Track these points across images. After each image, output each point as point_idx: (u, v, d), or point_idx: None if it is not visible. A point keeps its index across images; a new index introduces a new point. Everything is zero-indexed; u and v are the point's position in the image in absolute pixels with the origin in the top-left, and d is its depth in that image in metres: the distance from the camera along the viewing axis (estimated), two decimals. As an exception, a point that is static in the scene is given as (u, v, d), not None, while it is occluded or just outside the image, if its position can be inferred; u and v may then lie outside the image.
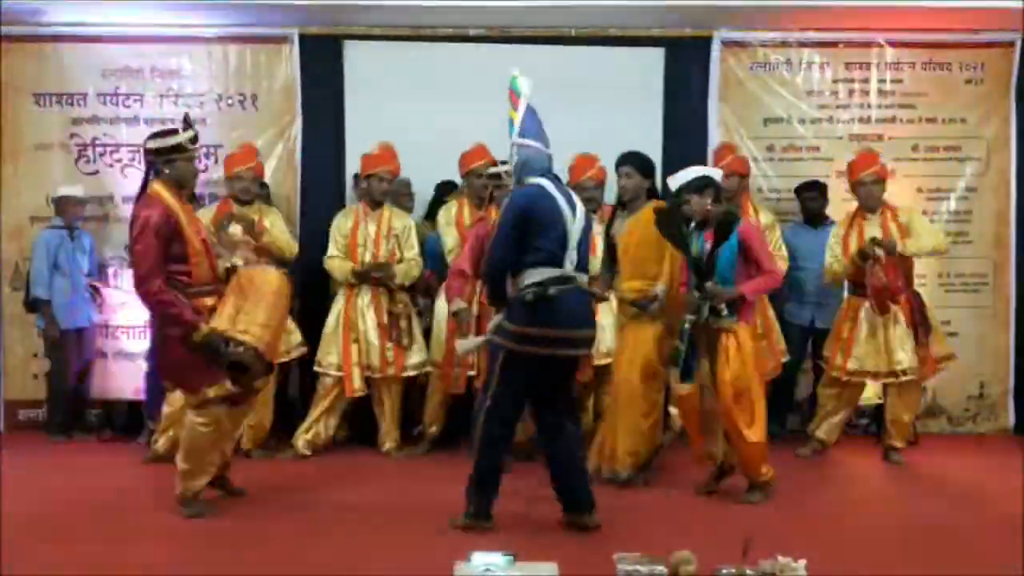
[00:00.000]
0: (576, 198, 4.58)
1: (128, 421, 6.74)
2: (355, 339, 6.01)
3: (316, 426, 6.09)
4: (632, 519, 4.76)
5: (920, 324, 6.01)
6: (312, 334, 6.20)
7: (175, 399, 5.49)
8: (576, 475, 4.55)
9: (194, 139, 4.85)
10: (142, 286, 4.55)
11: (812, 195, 6.69)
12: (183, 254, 4.61)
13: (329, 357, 6.05)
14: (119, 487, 5.44)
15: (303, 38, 6.85)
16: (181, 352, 4.54)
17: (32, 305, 6.55)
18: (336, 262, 6.08)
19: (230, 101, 6.93)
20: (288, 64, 6.88)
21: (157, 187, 4.68)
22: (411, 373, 6.10)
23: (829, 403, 6.23)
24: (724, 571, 3.88)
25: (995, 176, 7.03)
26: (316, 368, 6.12)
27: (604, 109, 6.75)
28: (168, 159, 4.74)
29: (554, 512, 4.68)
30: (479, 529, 4.46)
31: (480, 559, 3.86)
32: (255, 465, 5.91)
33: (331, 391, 6.06)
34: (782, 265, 6.18)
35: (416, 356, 6.09)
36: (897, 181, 6.96)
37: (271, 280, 4.76)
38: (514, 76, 4.67)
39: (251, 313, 4.56)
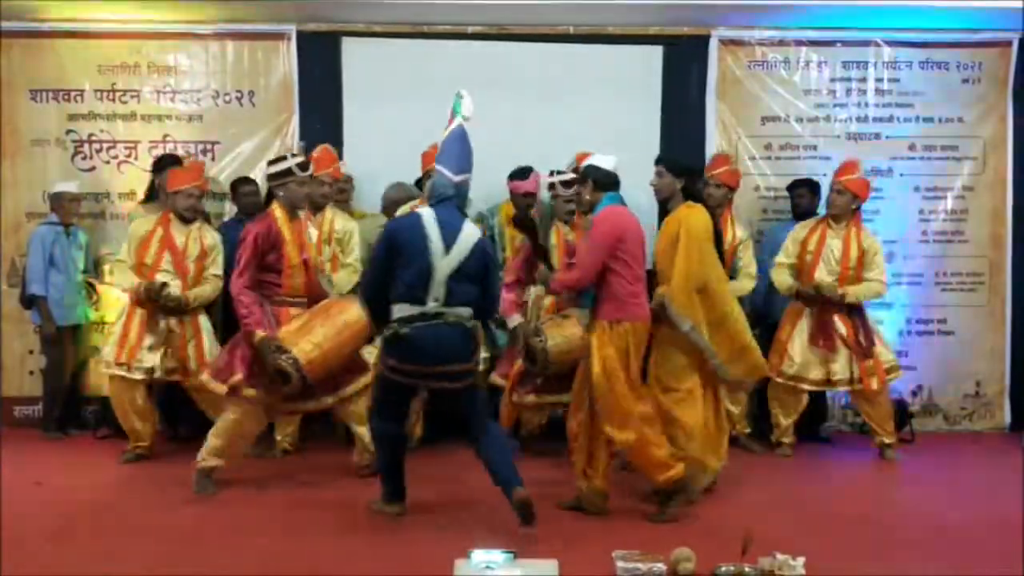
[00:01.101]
0: (467, 229, 4.51)
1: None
2: None
3: (291, 427, 6.07)
4: (631, 517, 4.76)
5: (863, 338, 6.03)
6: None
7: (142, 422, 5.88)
8: (510, 473, 4.45)
9: (303, 165, 5.25)
10: (232, 283, 5.10)
11: (801, 192, 6.69)
12: (278, 266, 5.12)
13: None
14: (115, 484, 5.43)
15: (301, 35, 6.84)
16: (247, 346, 5.03)
17: (28, 301, 6.52)
18: None
19: (227, 98, 6.91)
20: (285, 61, 6.86)
21: (274, 206, 5.20)
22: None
23: (789, 414, 6.21)
24: (723, 569, 3.90)
25: (992, 175, 7.05)
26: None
27: (602, 107, 6.77)
28: (280, 183, 5.18)
29: (554, 510, 4.69)
30: (390, 513, 4.70)
31: (480, 557, 3.87)
32: (250, 463, 5.89)
33: None
34: (748, 284, 6.25)
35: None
36: (894, 180, 7.01)
37: (347, 311, 5.04)
38: (458, 97, 4.71)
39: (312, 332, 4.93)
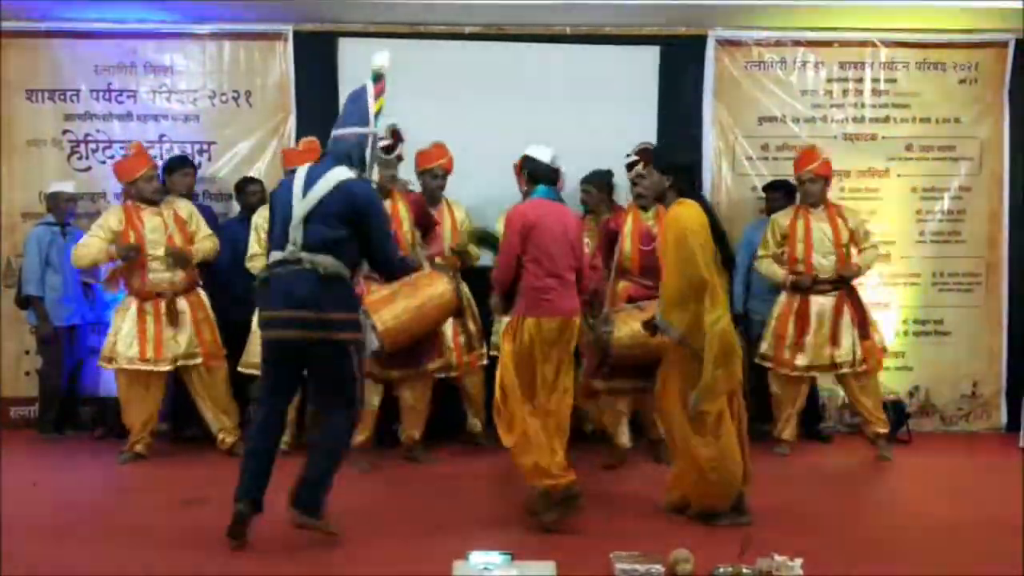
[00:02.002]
0: (334, 173, 4.23)
1: (120, 419, 6.68)
2: None
3: (290, 427, 6.05)
4: (629, 518, 4.76)
5: (862, 319, 6.12)
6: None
7: (142, 410, 5.90)
8: (318, 473, 4.27)
9: (388, 149, 5.45)
10: None
11: (777, 195, 6.66)
12: None
13: (255, 358, 5.56)
14: (111, 485, 5.42)
15: (297, 35, 6.83)
16: None
17: (24, 302, 6.52)
18: (260, 260, 5.74)
19: (224, 98, 6.90)
20: (282, 61, 6.86)
21: None
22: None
23: (787, 406, 6.24)
24: (721, 570, 3.89)
25: (988, 176, 7.06)
26: (240, 368, 6.02)
27: (599, 107, 6.76)
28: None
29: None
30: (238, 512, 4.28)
31: (478, 558, 3.87)
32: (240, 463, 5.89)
33: None
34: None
35: None
36: (891, 180, 7.03)
37: (434, 285, 5.17)
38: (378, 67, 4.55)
39: (395, 303, 5.04)
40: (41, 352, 6.57)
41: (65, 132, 6.85)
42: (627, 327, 5.21)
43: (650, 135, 6.83)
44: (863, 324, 6.11)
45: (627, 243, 5.74)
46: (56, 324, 6.45)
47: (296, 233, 4.19)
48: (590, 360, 5.49)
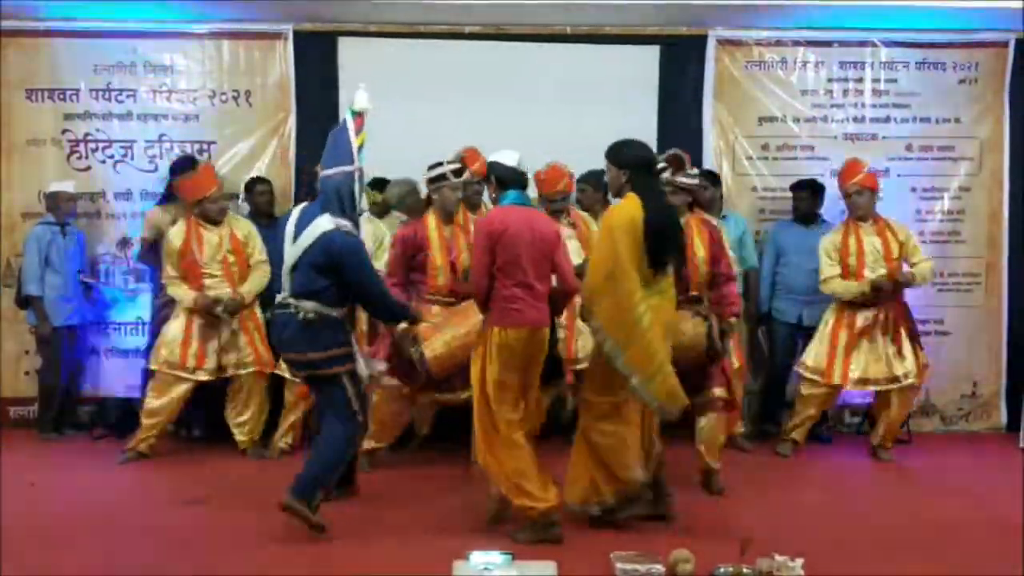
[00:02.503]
0: (319, 222, 4.49)
1: (120, 419, 6.69)
2: None
3: (293, 431, 6.10)
4: (630, 518, 4.75)
5: (915, 332, 6.13)
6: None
7: (158, 408, 5.91)
8: (311, 471, 4.53)
9: (458, 172, 5.47)
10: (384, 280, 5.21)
11: (803, 194, 6.68)
12: (424, 266, 5.46)
13: (378, 366, 5.68)
14: (111, 485, 5.42)
15: (297, 35, 6.82)
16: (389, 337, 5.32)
17: (23, 302, 6.51)
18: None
19: (224, 98, 6.88)
20: (282, 61, 6.84)
21: (429, 211, 5.56)
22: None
23: (810, 408, 6.24)
24: (722, 570, 3.90)
25: (988, 176, 7.06)
26: (275, 371, 6.04)
27: (599, 107, 6.75)
28: (435, 187, 5.47)
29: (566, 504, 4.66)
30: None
31: (479, 558, 3.88)
32: (249, 464, 5.90)
33: (299, 397, 6.01)
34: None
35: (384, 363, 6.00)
36: (891, 180, 7.01)
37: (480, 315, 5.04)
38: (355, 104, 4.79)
39: (445, 330, 5.11)
40: (40, 352, 6.56)
41: (64, 132, 6.83)
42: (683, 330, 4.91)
43: (650, 135, 6.82)
44: (917, 338, 6.13)
45: None
46: (55, 324, 6.43)
47: (287, 280, 4.60)
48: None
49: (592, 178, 6.21)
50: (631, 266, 4.30)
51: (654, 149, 6.64)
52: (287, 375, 5.87)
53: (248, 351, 5.99)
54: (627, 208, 4.40)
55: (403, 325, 5.01)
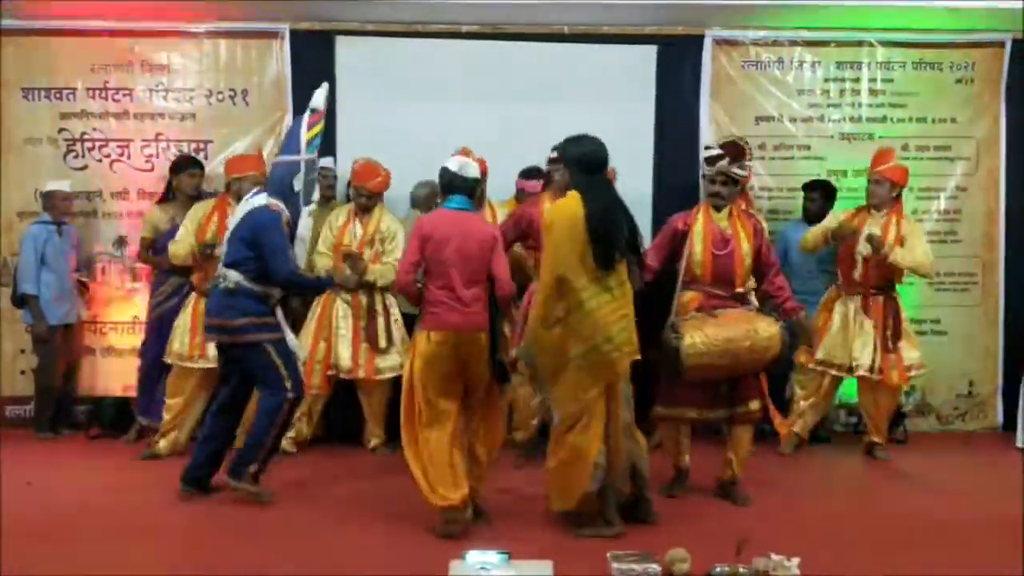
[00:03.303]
0: (253, 201, 5.04)
1: (116, 418, 6.69)
2: (324, 338, 6.00)
3: (298, 423, 6.08)
4: (626, 517, 4.75)
5: (891, 330, 6.06)
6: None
7: (174, 403, 5.94)
8: (246, 442, 5.08)
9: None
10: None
11: (814, 195, 6.67)
12: None
13: (300, 353, 5.90)
14: (109, 485, 5.41)
15: (294, 33, 6.81)
16: None
17: (20, 301, 6.50)
18: (323, 259, 6.08)
19: (220, 96, 6.88)
20: (279, 60, 6.84)
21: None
22: (386, 376, 6.00)
23: (803, 400, 6.27)
24: (718, 569, 3.90)
25: (985, 176, 7.07)
26: None
27: (596, 106, 6.70)
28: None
29: (548, 511, 4.67)
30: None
31: (475, 557, 3.87)
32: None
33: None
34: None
35: (393, 358, 6.01)
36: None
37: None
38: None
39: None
40: (37, 351, 6.55)
41: (61, 130, 6.83)
42: (700, 333, 4.80)
43: (648, 134, 6.85)
44: (894, 335, 6.06)
45: (697, 246, 5.06)
46: (52, 323, 6.43)
47: (222, 252, 5.09)
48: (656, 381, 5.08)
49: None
50: (571, 269, 4.30)
51: (651, 149, 6.76)
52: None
53: None
54: (566, 205, 4.41)
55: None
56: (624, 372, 4.44)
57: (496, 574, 3.80)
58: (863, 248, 6.00)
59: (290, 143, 5.16)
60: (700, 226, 5.08)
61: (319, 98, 5.17)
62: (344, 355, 6.02)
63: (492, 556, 3.88)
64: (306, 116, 5.13)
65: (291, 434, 6.06)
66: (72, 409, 6.75)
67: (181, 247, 5.93)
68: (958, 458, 6.36)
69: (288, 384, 4.96)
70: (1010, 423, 6.79)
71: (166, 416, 5.96)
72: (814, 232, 6.16)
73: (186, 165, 6.34)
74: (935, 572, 4.09)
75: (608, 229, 4.36)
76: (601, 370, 4.36)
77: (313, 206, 5.35)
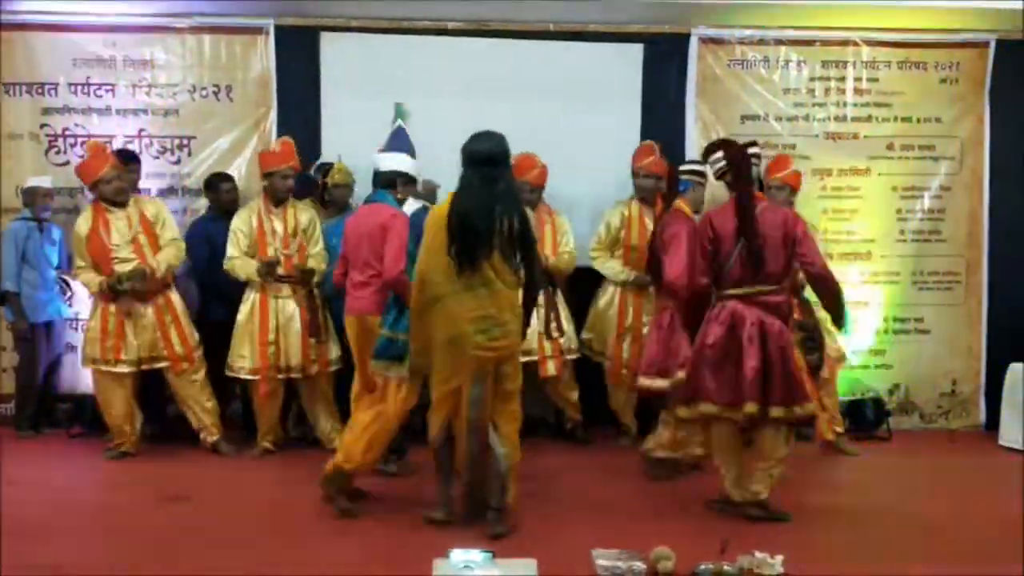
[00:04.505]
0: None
1: (98, 417, 6.62)
2: (272, 341, 5.88)
3: (276, 428, 6.07)
4: (611, 515, 4.75)
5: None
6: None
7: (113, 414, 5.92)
8: None
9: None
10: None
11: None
12: None
13: (241, 361, 5.92)
14: (88, 483, 5.38)
15: (279, 29, 6.77)
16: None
17: (0, 298, 6.44)
18: (238, 262, 5.91)
19: (204, 92, 6.83)
20: (263, 55, 6.79)
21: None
22: (335, 367, 6.00)
23: None
24: (703, 567, 3.90)
25: (969, 175, 7.09)
26: (227, 372, 6.01)
27: (582, 105, 6.75)
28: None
29: (533, 508, 4.66)
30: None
31: (459, 556, 3.86)
32: (224, 461, 5.87)
33: (263, 397, 5.96)
34: None
35: (335, 350, 5.99)
36: (872, 179, 7.05)
37: None
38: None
39: None
40: (18, 349, 6.50)
41: (43, 126, 6.76)
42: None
43: (633, 133, 6.84)
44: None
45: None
46: (33, 321, 6.38)
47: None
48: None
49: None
50: (432, 265, 4.39)
51: (633, 147, 6.73)
52: (241, 375, 5.94)
53: (160, 345, 5.87)
54: (441, 206, 4.53)
55: None
56: (481, 372, 4.40)
57: (480, 573, 3.78)
58: None
59: (406, 147, 5.39)
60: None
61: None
62: (294, 355, 5.91)
63: (476, 555, 3.87)
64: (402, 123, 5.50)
65: (271, 436, 6.04)
66: (53, 407, 6.68)
67: (90, 283, 5.83)
68: (942, 456, 6.39)
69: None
70: (993, 421, 6.82)
71: (112, 424, 5.90)
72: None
73: (125, 161, 6.19)
74: (919, 569, 4.10)
75: (470, 229, 4.35)
76: (457, 367, 4.41)
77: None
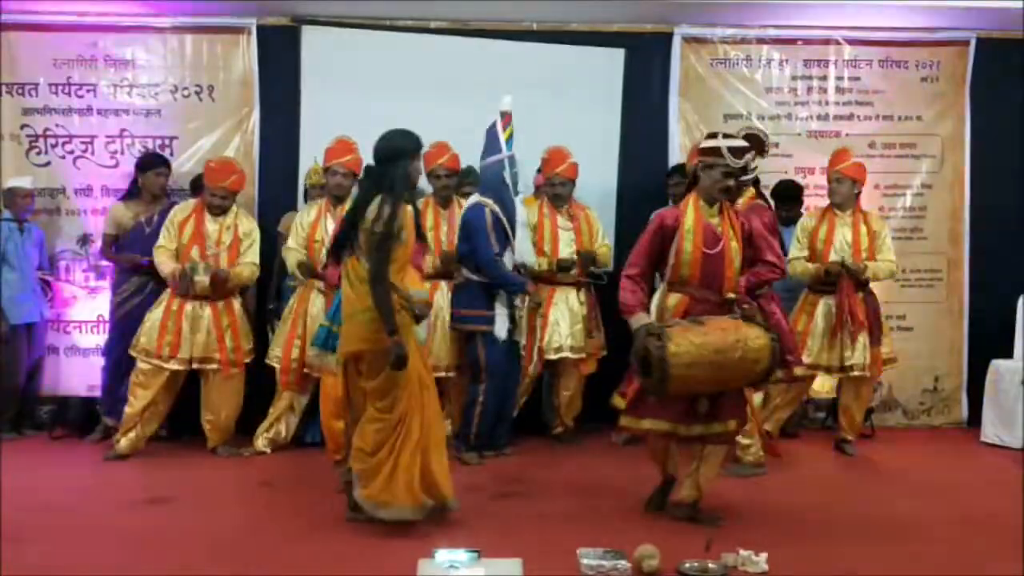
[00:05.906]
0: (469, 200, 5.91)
1: (80, 418, 6.60)
2: (299, 335, 5.89)
3: (277, 424, 6.04)
4: (596, 514, 4.76)
5: (875, 324, 6.13)
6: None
7: (138, 399, 5.81)
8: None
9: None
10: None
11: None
12: None
13: (275, 350, 6.00)
14: (73, 486, 5.34)
15: (261, 28, 6.75)
16: None
17: (-19, 300, 6.40)
18: (292, 253, 5.91)
19: (186, 92, 6.80)
20: (245, 55, 6.77)
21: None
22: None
23: (778, 397, 6.26)
24: (687, 565, 3.91)
25: (950, 173, 7.14)
26: (267, 360, 6.05)
27: (564, 104, 6.75)
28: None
29: (518, 508, 4.66)
30: None
31: (444, 556, 3.85)
32: (219, 463, 5.84)
33: (283, 389, 5.99)
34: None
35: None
36: (854, 177, 7.07)
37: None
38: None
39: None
40: (-1, 350, 6.46)
41: (24, 127, 6.72)
42: (687, 341, 4.24)
43: (615, 132, 6.85)
44: (876, 330, 6.12)
45: (687, 244, 4.51)
46: (14, 322, 6.32)
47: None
48: (629, 389, 4.82)
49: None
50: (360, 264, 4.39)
51: (618, 147, 6.75)
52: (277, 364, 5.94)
53: (215, 346, 5.89)
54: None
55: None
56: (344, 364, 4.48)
57: (465, 573, 3.78)
58: (838, 257, 6.05)
59: (492, 145, 5.79)
60: (691, 222, 4.52)
61: (507, 103, 5.78)
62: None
63: (461, 554, 3.86)
64: (498, 119, 5.78)
65: (269, 435, 6.02)
66: (35, 409, 6.66)
67: (164, 264, 5.85)
68: (925, 453, 6.42)
69: (483, 376, 5.70)
70: (975, 418, 6.87)
71: (128, 411, 5.84)
72: (808, 272, 6.16)
73: (153, 164, 6.26)
74: (904, 567, 4.12)
75: (341, 226, 4.57)
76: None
77: (521, 195, 5.98)
